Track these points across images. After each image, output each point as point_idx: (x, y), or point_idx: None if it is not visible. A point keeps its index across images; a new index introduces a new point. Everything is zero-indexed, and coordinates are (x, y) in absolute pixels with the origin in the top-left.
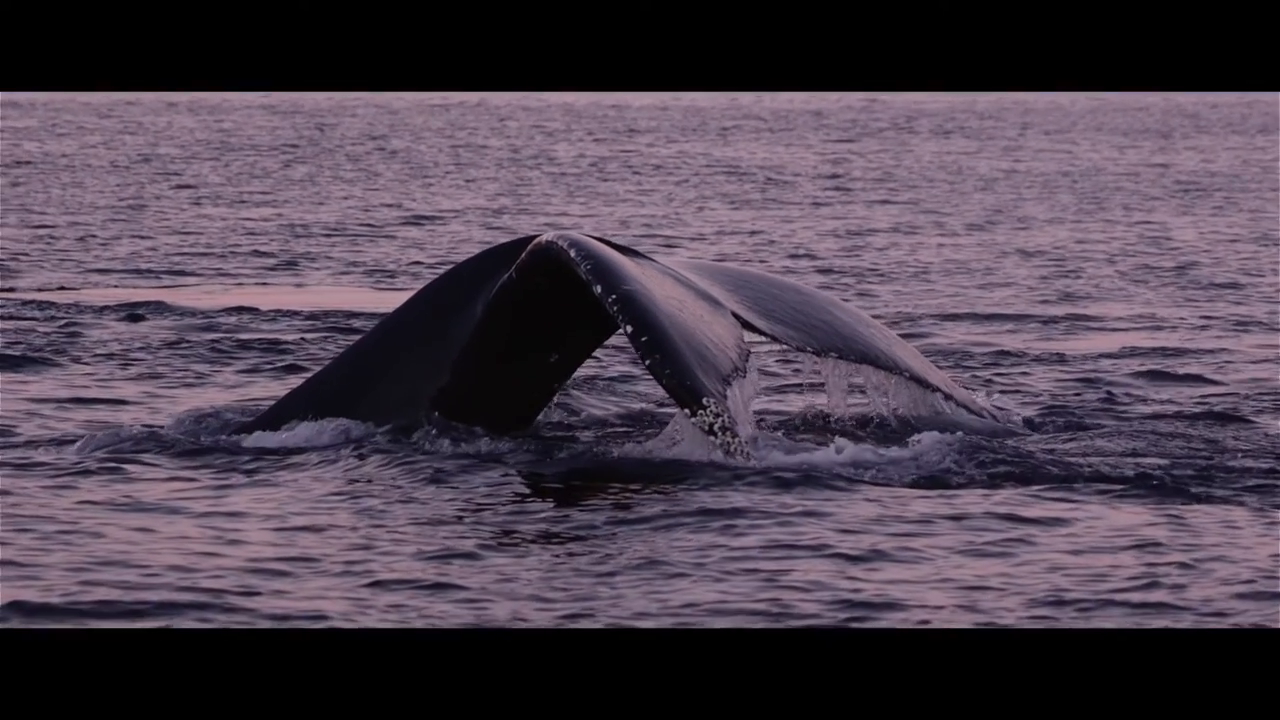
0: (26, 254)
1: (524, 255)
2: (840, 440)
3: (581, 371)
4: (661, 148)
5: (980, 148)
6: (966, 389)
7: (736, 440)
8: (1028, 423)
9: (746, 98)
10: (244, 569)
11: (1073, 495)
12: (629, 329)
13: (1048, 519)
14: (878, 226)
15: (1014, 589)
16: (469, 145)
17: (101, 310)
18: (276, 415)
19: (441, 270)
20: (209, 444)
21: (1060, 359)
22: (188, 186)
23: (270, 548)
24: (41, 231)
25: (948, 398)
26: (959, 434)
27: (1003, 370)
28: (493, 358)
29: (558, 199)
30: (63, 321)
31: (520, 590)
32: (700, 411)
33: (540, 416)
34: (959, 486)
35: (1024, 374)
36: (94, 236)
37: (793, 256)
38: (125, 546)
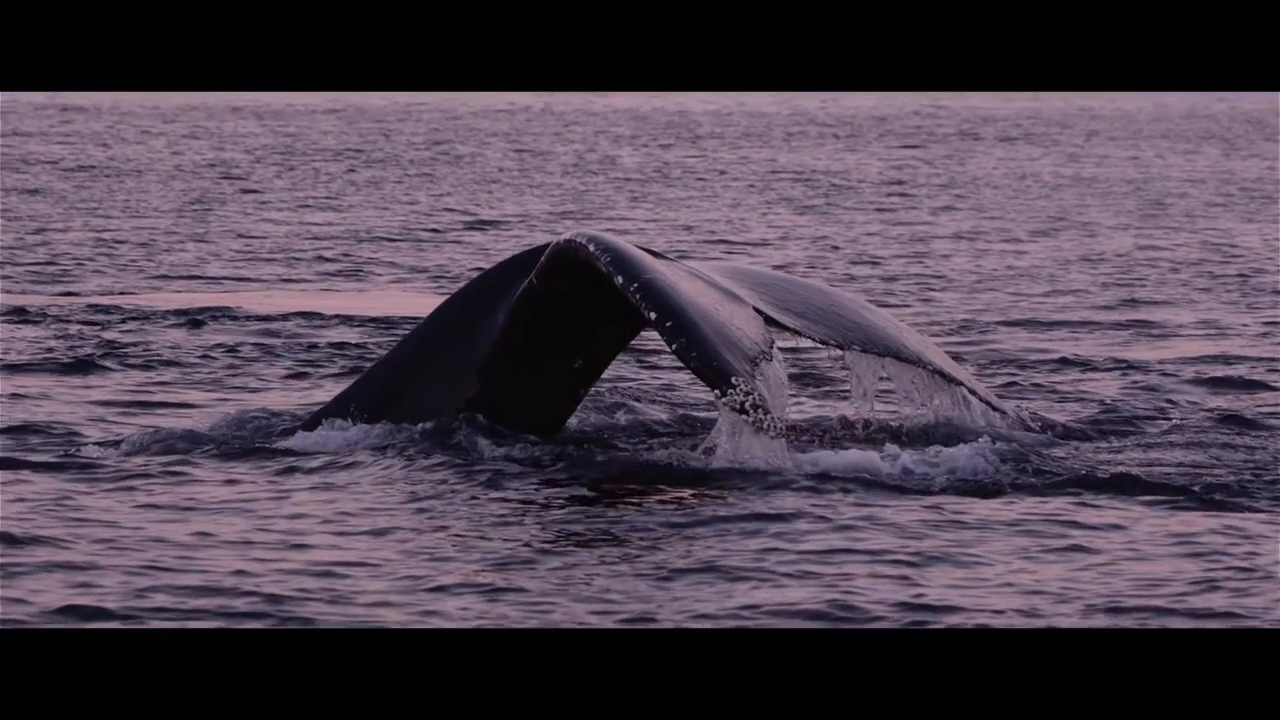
0: (91, 259)
1: (543, 258)
2: (889, 446)
3: (629, 378)
4: (725, 153)
5: (1045, 154)
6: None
7: (769, 416)
8: (1050, 426)
9: (810, 103)
10: (307, 572)
11: (1127, 501)
12: (653, 315)
13: (1103, 525)
14: (941, 233)
15: (1074, 594)
16: (533, 151)
17: (164, 315)
18: (320, 419)
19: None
20: (256, 446)
21: (1121, 365)
22: (252, 191)
23: (333, 551)
24: (105, 236)
25: (971, 392)
26: (1005, 440)
27: (1064, 376)
28: (517, 364)
29: (621, 204)
30: (125, 327)
31: (581, 592)
32: (730, 390)
33: (585, 422)
34: (1011, 492)
35: (1085, 380)
36: (157, 242)
37: (855, 262)
38: (184, 552)
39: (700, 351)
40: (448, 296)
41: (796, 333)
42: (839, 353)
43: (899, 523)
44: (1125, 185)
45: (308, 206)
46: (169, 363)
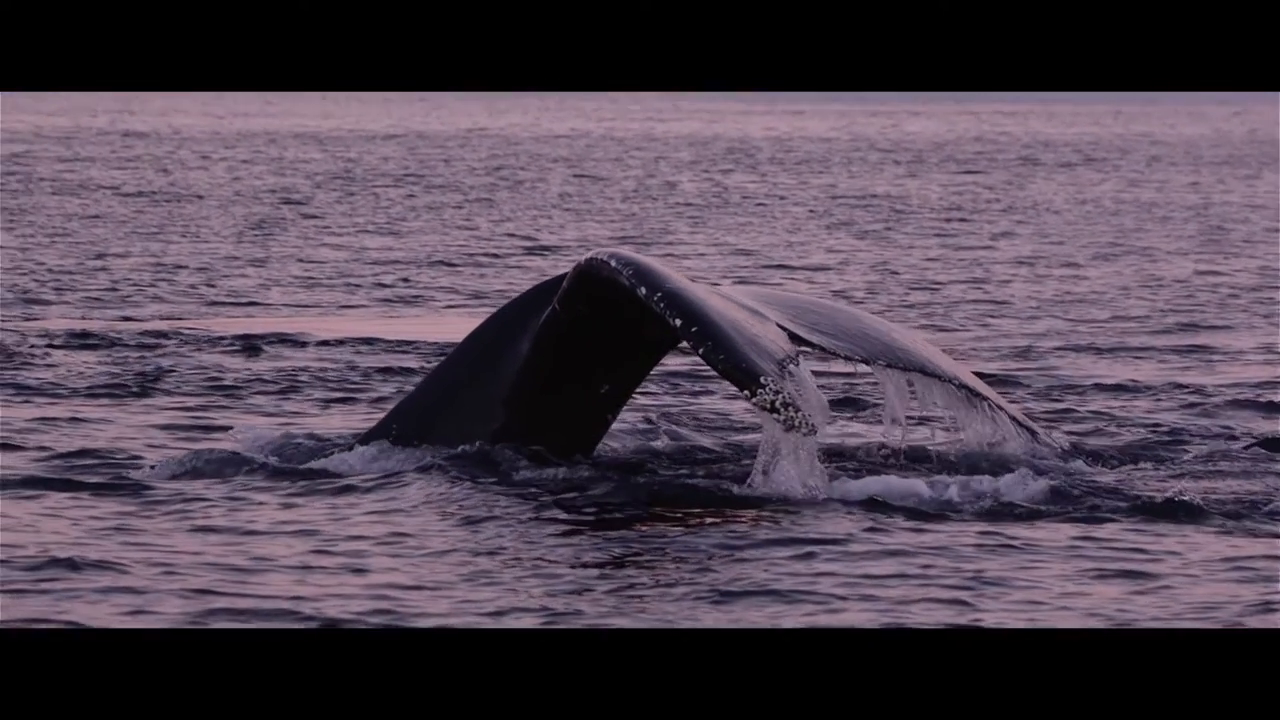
0: (150, 284)
1: (566, 281)
2: (934, 472)
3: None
4: (785, 178)
5: (1105, 179)
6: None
7: (800, 414)
8: (1078, 449)
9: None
10: (365, 595)
11: (1182, 526)
12: (678, 322)
13: (1160, 550)
14: (1000, 258)
15: (1132, 618)
16: (594, 176)
17: (222, 340)
18: (364, 442)
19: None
20: (308, 469)
21: (1180, 390)
22: (312, 217)
23: (391, 573)
24: (165, 261)
25: (998, 409)
26: (1049, 464)
27: (1122, 402)
28: (543, 392)
29: (681, 229)
30: (183, 352)
31: (639, 616)
32: (759, 390)
33: (629, 446)
34: (1062, 516)
35: (1143, 406)
36: (216, 267)
37: (914, 288)
38: (242, 576)
39: (728, 354)
40: (477, 325)
41: (821, 349)
42: (865, 369)
43: (951, 546)
44: (1185, 211)
45: (367, 232)
46: (226, 387)
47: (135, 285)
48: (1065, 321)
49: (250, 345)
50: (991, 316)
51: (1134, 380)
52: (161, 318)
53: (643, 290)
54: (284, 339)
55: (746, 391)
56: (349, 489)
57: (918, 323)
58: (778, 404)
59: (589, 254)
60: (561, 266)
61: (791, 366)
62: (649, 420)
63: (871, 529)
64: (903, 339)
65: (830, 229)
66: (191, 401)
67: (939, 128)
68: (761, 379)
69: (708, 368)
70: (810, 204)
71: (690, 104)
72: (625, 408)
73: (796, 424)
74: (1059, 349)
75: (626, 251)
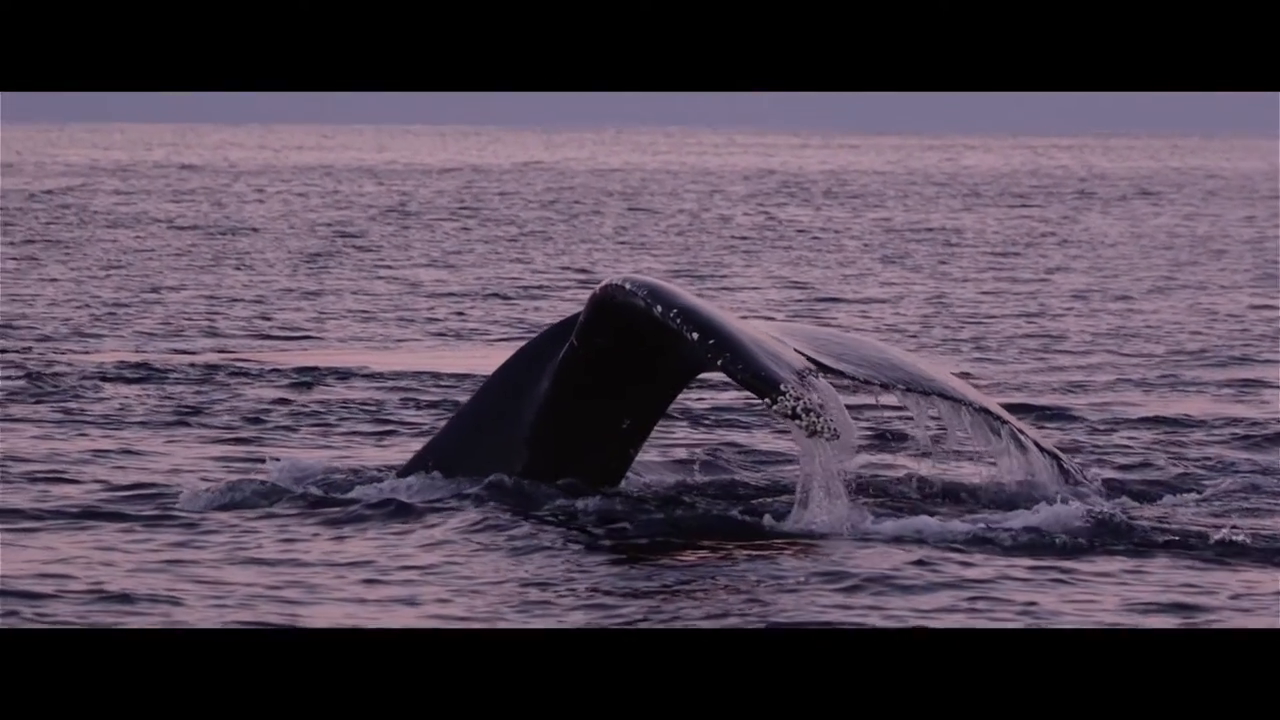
0: (206, 317)
1: (583, 312)
2: (972, 509)
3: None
4: (839, 212)
5: (1160, 213)
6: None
7: (822, 419)
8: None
9: (924, 161)
10: (418, 628)
11: (1236, 559)
12: (696, 336)
13: (1208, 584)
14: (1055, 292)
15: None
16: (649, 209)
17: (276, 374)
18: (407, 473)
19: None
20: (355, 499)
21: (1232, 424)
22: (366, 250)
23: (440, 605)
24: (220, 294)
25: (1021, 433)
26: (1087, 502)
27: (1175, 436)
28: (564, 428)
29: (735, 263)
30: (236, 385)
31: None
32: (780, 397)
33: (667, 481)
34: (1111, 549)
35: (1195, 438)
36: (270, 300)
37: (967, 321)
38: (291, 609)
39: (746, 363)
40: (503, 361)
41: (840, 374)
42: (887, 397)
43: (998, 580)
44: (1241, 245)
45: (421, 265)
46: (279, 421)
47: (189, 318)
48: (1119, 355)
49: (303, 379)
50: (1046, 350)
51: (1186, 415)
52: (215, 350)
53: (659, 309)
54: (337, 372)
55: (767, 400)
56: (390, 518)
57: (971, 356)
58: (799, 409)
59: (603, 282)
60: None
61: (811, 377)
62: (691, 455)
63: (917, 563)
64: (925, 367)
65: (884, 262)
66: (244, 434)
67: (995, 161)
68: (781, 386)
69: (743, 395)
70: (864, 237)
71: (745, 138)
72: (650, 440)
73: (819, 429)
74: (1112, 382)
75: (640, 276)
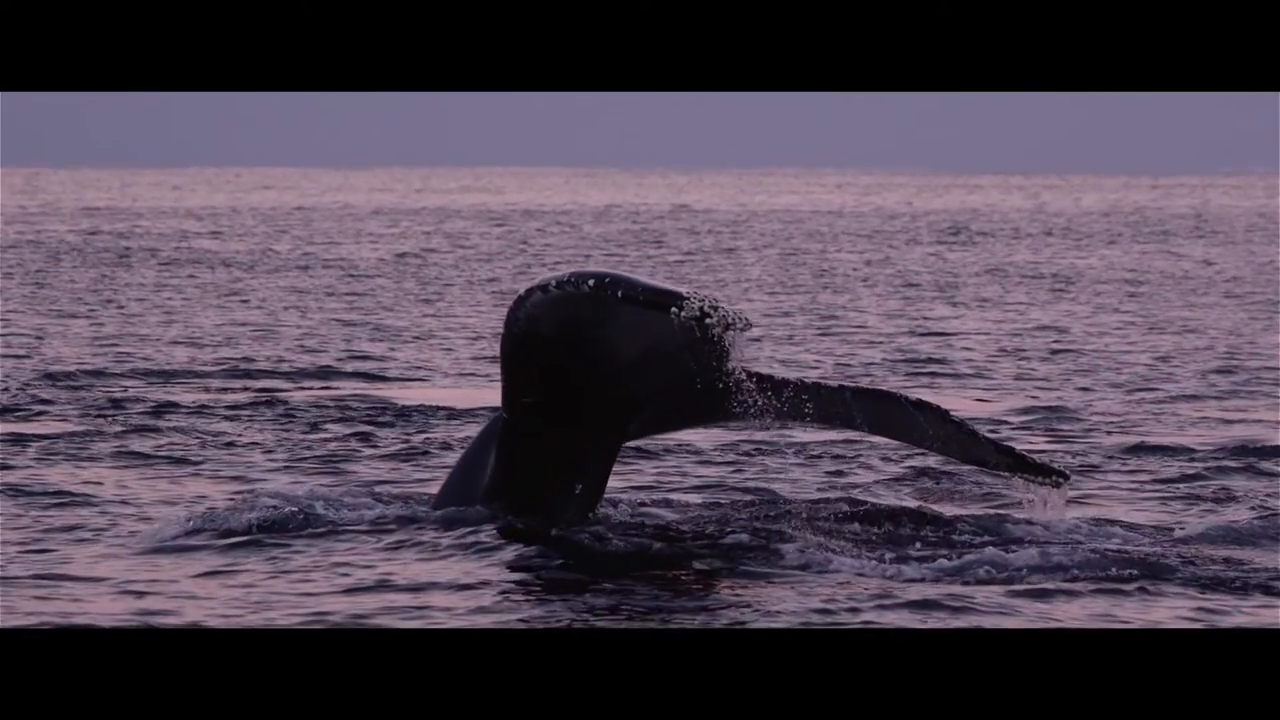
0: (253, 356)
1: (501, 368)
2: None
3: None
4: (887, 251)
5: (1223, 253)
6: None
7: (732, 311)
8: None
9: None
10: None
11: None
12: (600, 291)
13: (1227, 608)
14: (1106, 330)
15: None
16: (673, 248)
17: (326, 408)
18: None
19: None
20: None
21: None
22: (428, 287)
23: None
24: (263, 327)
25: (999, 451)
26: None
27: (1218, 471)
28: (521, 491)
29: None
30: (290, 418)
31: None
32: (684, 303)
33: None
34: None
35: (1241, 477)
36: (317, 334)
37: (1015, 356)
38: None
39: (644, 287)
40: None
41: (771, 378)
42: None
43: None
44: None
45: (454, 301)
46: (329, 455)
47: (240, 355)
48: (1170, 396)
49: (355, 412)
50: (1090, 393)
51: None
52: (259, 389)
53: (568, 288)
54: (388, 406)
55: (674, 309)
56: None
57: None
58: (705, 308)
59: (507, 326)
60: None
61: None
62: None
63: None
64: (889, 397)
65: (926, 300)
66: (282, 466)
67: (1051, 202)
68: (681, 294)
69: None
70: (915, 275)
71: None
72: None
73: (731, 320)
74: (1158, 417)
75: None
